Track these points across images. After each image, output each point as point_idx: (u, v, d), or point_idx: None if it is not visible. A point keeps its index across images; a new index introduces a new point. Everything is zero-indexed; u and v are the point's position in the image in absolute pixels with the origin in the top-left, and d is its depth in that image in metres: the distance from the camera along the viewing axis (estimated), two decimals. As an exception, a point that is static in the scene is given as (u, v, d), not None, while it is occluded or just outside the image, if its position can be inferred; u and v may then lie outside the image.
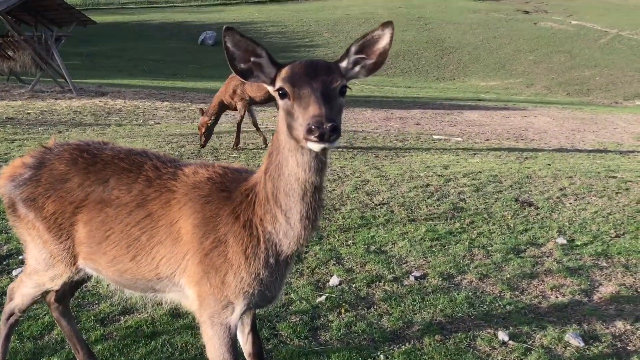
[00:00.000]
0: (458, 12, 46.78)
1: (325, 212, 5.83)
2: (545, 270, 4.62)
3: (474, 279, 4.44)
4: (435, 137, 11.90)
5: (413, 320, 3.77)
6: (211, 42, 37.36)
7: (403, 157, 9.30)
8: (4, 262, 4.39)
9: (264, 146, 9.53)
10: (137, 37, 37.44)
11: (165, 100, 16.34)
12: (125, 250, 2.41)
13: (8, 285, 3.05)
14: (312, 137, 1.80)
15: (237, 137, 9.42)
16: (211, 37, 37.58)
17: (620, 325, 3.74)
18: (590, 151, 11.00)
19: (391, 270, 4.53)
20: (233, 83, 9.15)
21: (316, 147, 1.86)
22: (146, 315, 3.68)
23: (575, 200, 6.66)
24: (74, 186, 2.48)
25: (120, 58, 31.52)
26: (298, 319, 3.73)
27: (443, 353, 3.36)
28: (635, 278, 4.50)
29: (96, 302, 3.87)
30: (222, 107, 9.36)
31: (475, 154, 9.91)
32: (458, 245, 5.13)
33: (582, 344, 3.48)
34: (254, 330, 2.72)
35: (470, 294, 4.16)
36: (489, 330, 3.65)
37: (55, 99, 15.35)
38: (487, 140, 11.97)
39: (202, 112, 9.26)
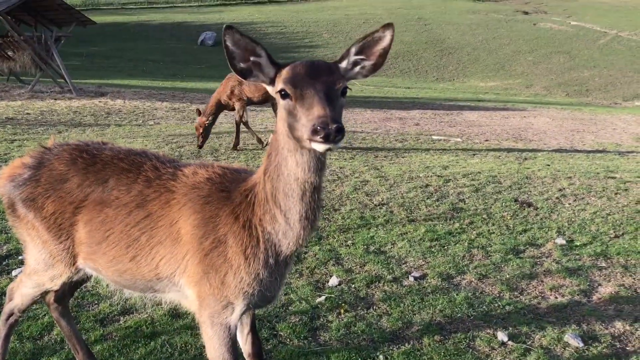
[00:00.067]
0: (457, 13, 46.85)
1: (324, 212, 5.83)
2: (544, 271, 4.62)
3: (473, 279, 4.44)
4: (434, 137, 11.90)
5: (412, 320, 3.77)
6: (211, 42, 37.38)
7: (402, 157, 9.30)
8: (4, 262, 4.39)
9: (260, 146, 9.52)
10: (137, 37, 37.48)
11: (165, 100, 16.33)
12: (125, 250, 2.41)
13: (8, 286, 3.05)
14: (318, 138, 1.79)
15: (237, 137, 9.40)
16: (211, 37, 37.60)
17: (619, 325, 3.74)
18: (589, 152, 11.00)
19: (390, 271, 4.53)
20: (231, 83, 9.13)
21: (321, 147, 1.85)
22: (146, 316, 3.68)
23: (575, 200, 6.66)
24: (73, 186, 2.49)
25: (120, 58, 31.54)
26: (297, 319, 3.73)
27: (442, 353, 3.37)
28: (634, 278, 4.50)
29: (96, 302, 3.87)
30: (220, 108, 9.31)
31: (474, 155, 9.92)
32: (457, 245, 5.13)
33: (581, 345, 3.49)
34: (254, 331, 2.72)
35: (469, 294, 4.16)
36: (488, 331, 3.66)
37: (55, 99, 15.34)
38: (487, 140, 11.98)
39: (199, 112, 9.16)
